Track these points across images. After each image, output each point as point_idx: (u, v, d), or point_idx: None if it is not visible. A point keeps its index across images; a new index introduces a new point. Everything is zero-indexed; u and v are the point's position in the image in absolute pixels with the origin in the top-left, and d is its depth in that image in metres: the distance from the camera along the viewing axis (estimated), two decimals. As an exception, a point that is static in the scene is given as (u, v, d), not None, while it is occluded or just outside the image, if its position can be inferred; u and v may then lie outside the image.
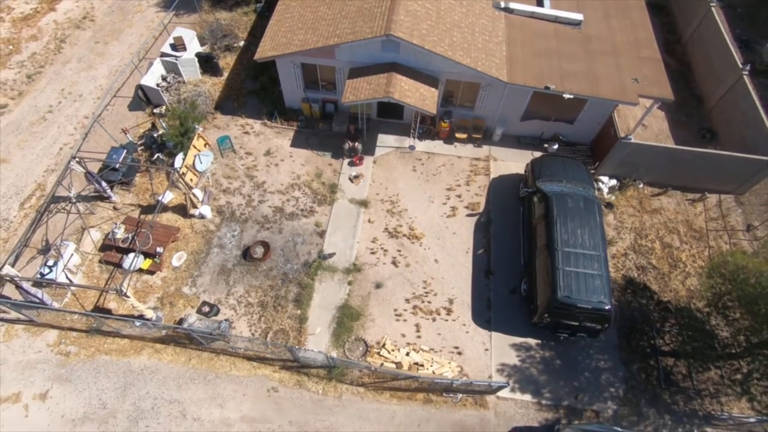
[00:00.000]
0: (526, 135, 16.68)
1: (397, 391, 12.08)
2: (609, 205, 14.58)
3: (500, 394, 12.12)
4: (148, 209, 14.70)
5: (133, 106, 17.28)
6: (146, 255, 13.46)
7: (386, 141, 16.65)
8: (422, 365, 12.24)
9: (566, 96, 14.09)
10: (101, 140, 15.71)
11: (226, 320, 12.55)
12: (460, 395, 11.99)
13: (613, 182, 15.69)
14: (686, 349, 12.66)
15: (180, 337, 12.44)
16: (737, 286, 10.46)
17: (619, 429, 10.89)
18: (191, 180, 15.02)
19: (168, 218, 14.55)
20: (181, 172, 13.19)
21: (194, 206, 14.34)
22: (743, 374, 11.62)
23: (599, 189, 15.50)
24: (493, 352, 12.70)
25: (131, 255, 13.35)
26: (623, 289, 13.81)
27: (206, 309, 12.82)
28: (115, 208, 14.70)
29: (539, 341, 12.91)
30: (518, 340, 12.93)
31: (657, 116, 17.54)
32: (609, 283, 11.77)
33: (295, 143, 16.48)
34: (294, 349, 10.89)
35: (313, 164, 16.04)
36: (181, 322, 12.49)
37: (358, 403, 11.94)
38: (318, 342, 12.60)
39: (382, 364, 12.23)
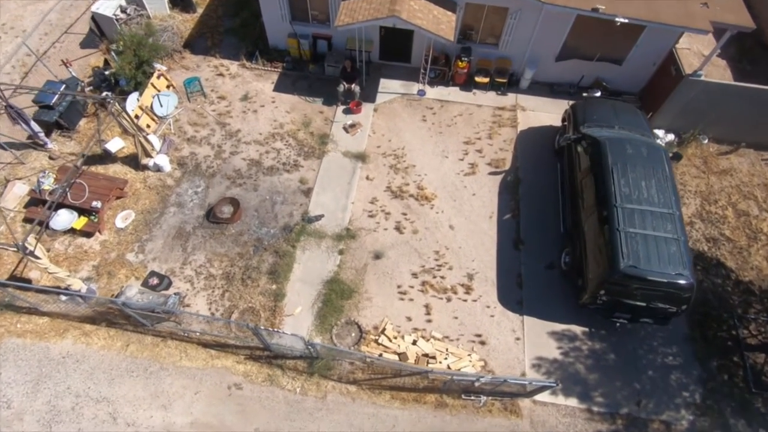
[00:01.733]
0: (561, 81, 13.67)
1: (401, 392, 9.10)
2: (676, 156, 11.55)
3: (537, 397, 9.11)
4: (92, 160, 11.78)
5: (87, 42, 14.37)
6: (82, 212, 10.55)
7: (390, 86, 13.68)
8: (433, 357, 9.26)
9: (618, 20, 11.05)
10: (44, 81, 12.82)
11: (176, 294, 9.60)
12: (484, 398, 9.00)
13: (671, 137, 12.64)
14: (781, 342, 9.67)
15: (115, 316, 9.51)
16: None
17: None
18: (148, 126, 12.12)
19: (116, 171, 11.64)
20: (122, 107, 10.26)
21: (147, 155, 11.42)
22: None
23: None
24: (526, 343, 9.70)
25: (61, 211, 10.44)
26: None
27: (155, 281, 9.88)
28: (50, 158, 11.78)
29: (586, 329, 9.90)
30: (559, 327, 9.92)
31: (717, 65, 14.36)
32: (688, 249, 8.75)
33: (279, 87, 13.53)
34: (260, 330, 7.92)
35: (299, 112, 13.08)
36: (119, 296, 9.56)
37: (347, 405, 8.97)
38: (298, 325, 9.64)
39: (380, 355, 9.26)
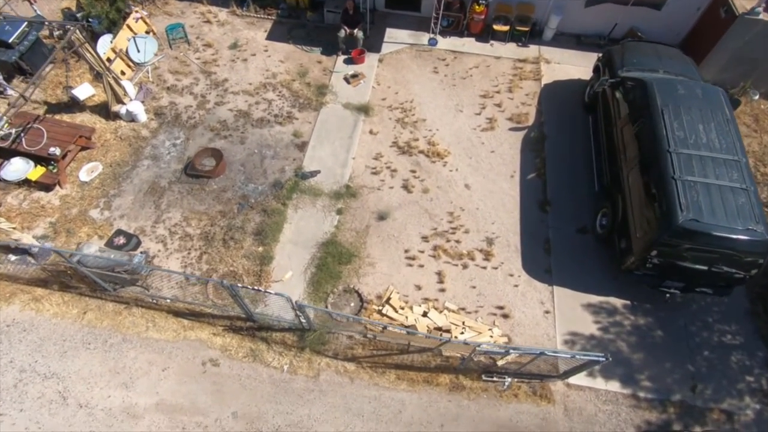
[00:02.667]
0: (590, 32, 12.14)
1: (408, 371, 7.61)
2: (733, 101, 10.01)
3: (572, 380, 7.62)
4: (57, 108, 10.33)
5: (60, -13, 12.96)
6: (39, 162, 9.10)
7: (397, 36, 12.18)
8: (447, 331, 7.77)
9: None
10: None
11: (142, 253, 8.13)
12: (508, 379, 7.51)
13: (740, 100, 11.07)
14: None
15: (71, 279, 8.05)
16: None
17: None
18: (123, 73, 10.67)
19: (85, 121, 10.17)
20: (86, 40, 8.79)
21: (118, 101, 9.95)
22: None
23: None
24: (557, 316, 8.20)
25: (14, 159, 9.00)
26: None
27: (121, 240, 8.42)
28: (11, 105, 10.32)
29: (627, 302, 8.38)
30: (595, 299, 8.41)
31: None
32: (760, 201, 7.22)
33: (272, 36, 12.05)
34: (237, 289, 6.43)
35: (295, 61, 11.60)
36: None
37: (344, 386, 7.48)
38: (287, 293, 8.08)
39: (385, 328, 7.79)
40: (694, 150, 7.54)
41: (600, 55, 10.71)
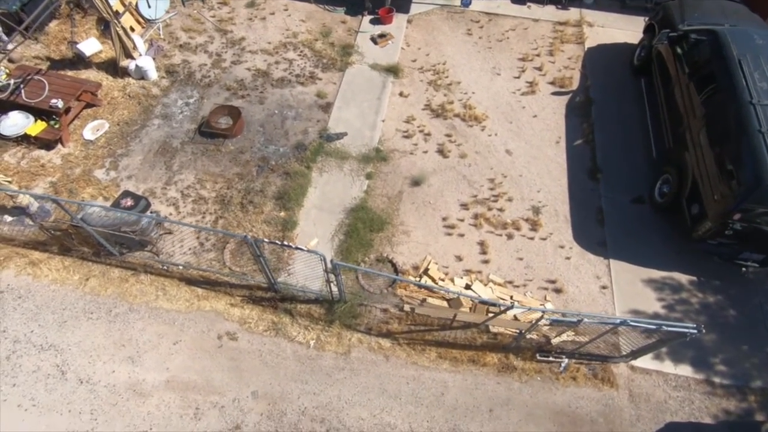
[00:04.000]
0: (633, -7, 11.24)
1: (451, 349, 6.71)
2: None
3: (637, 363, 6.70)
4: (61, 65, 9.51)
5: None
6: (40, 116, 8.28)
7: (427, -3, 11.32)
8: (494, 306, 6.88)
9: None
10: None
11: (153, 213, 7.29)
12: (566, 360, 6.60)
13: None
14: None
15: (73, 241, 7.20)
16: None
17: None
18: (132, 30, 9.84)
19: (90, 78, 9.32)
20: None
21: (128, 55, 9.12)
22: None
23: None
24: (615, 292, 7.29)
25: (12, 113, 8.18)
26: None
27: (128, 202, 7.52)
28: (10, 60, 9.51)
29: (693, 277, 7.47)
30: (657, 273, 7.49)
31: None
32: None
33: (293, -6, 11.22)
34: (260, 243, 5.56)
35: (317, 21, 10.73)
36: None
37: (379, 365, 6.60)
38: (314, 261, 7.26)
39: (424, 300, 6.90)
40: (783, 102, 6.62)
41: (650, 16, 9.79)
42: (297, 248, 5.54)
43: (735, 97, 6.80)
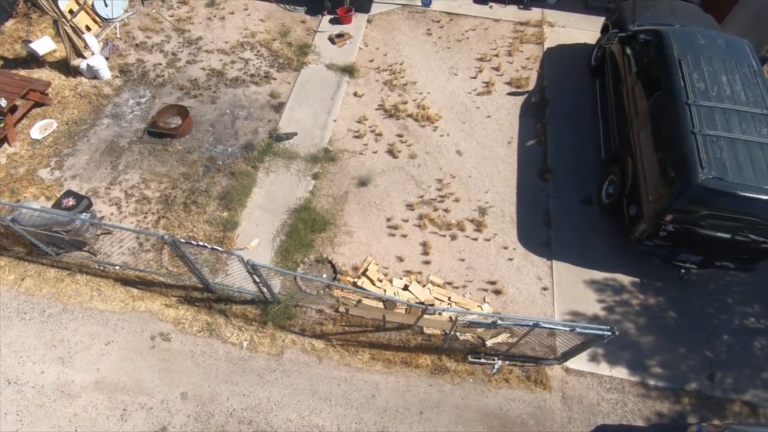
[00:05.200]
0: (598, -6, 11.20)
1: (385, 351, 6.67)
2: (761, 58, 8.99)
3: (572, 365, 6.66)
4: (13, 63, 9.49)
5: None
6: (-15, 116, 8.25)
7: (388, -3, 11.28)
8: (431, 305, 6.83)
9: None
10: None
11: (87, 213, 7.25)
12: (499, 362, 6.55)
13: None
14: None
15: (9, 241, 7.15)
16: None
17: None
18: (88, 29, 9.81)
19: (43, 77, 9.30)
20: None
21: (78, 54, 9.09)
22: None
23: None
24: (556, 293, 7.25)
25: (-44, 112, 8.15)
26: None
27: (70, 202, 7.50)
28: (-37, 60, 9.50)
29: (636, 279, 7.42)
30: (599, 275, 7.45)
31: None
32: (793, 160, 6.26)
33: (254, -6, 11.19)
34: (178, 243, 5.51)
35: (276, 20, 10.70)
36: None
37: (311, 367, 6.56)
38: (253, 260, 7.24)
39: (360, 302, 6.86)
40: (717, 102, 6.57)
41: (607, 16, 9.77)
42: (213, 248, 5.49)
43: (673, 97, 6.76)
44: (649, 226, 6.51)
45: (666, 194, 6.27)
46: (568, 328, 5.05)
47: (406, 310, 6.73)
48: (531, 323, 5.02)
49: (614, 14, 9.34)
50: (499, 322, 5.14)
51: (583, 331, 5.04)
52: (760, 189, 5.85)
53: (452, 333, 5.85)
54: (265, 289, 6.38)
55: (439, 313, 6.43)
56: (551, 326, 5.10)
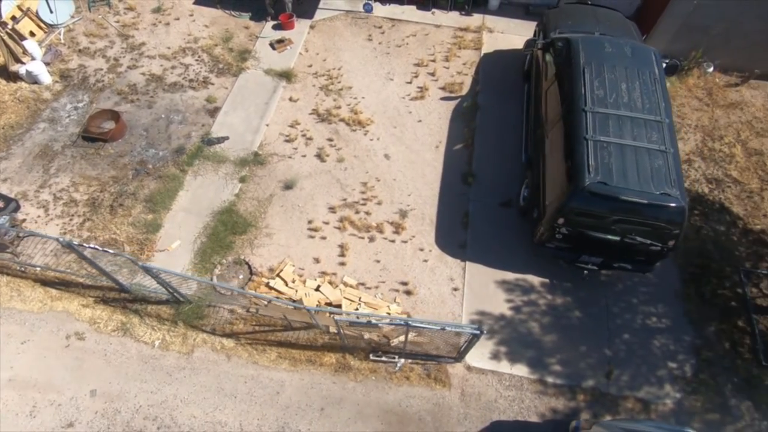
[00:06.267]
0: (540, 1, 11.41)
1: (291, 349, 6.89)
2: (672, 66, 9.23)
3: (474, 363, 6.88)
4: (-44, 69, 9.71)
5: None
6: None
7: (333, 3, 11.47)
8: (338, 306, 7.05)
9: None
10: None
11: (7, 216, 7.45)
12: (401, 361, 6.77)
13: (678, 63, 10.35)
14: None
15: (-67, 243, 7.38)
16: None
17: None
18: (32, 34, 10.02)
19: (-15, 82, 9.53)
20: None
21: (17, 60, 9.31)
22: None
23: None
24: (466, 294, 7.46)
25: None
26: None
27: (-2, 204, 7.75)
28: None
29: (546, 280, 7.64)
30: (511, 276, 7.67)
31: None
32: (680, 166, 6.47)
33: (200, 0, 11.38)
34: (73, 245, 5.72)
35: (221, 26, 10.92)
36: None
37: (219, 365, 6.77)
38: (172, 263, 7.46)
39: (269, 302, 7.08)
40: (613, 109, 6.79)
41: (537, 22, 10.00)
42: (104, 250, 5.70)
43: (572, 103, 6.99)
44: (545, 228, 6.74)
45: (559, 198, 6.50)
46: (438, 327, 5.26)
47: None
48: (401, 322, 5.23)
49: (542, 20, 9.57)
50: (373, 321, 5.35)
51: (451, 329, 5.25)
52: (642, 193, 6.08)
53: (342, 332, 6.06)
54: (170, 289, 6.59)
55: (317, 312, 6.60)
56: (422, 325, 5.31)
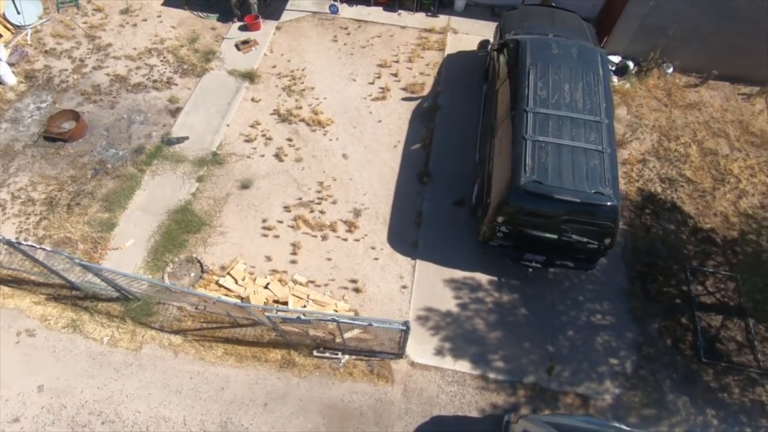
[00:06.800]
0: (505, 3, 11.52)
1: (238, 346, 7.01)
2: (621, 68, 9.34)
3: (417, 359, 6.99)
4: (-77, 69, 9.81)
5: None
6: None
7: (300, 5, 11.58)
8: (285, 303, 7.16)
9: None
10: None
11: (-39, 214, 7.57)
12: (345, 357, 6.89)
13: (629, 64, 10.48)
14: (740, 302, 7.54)
15: None
16: None
17: (623, 426, 5.65)
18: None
19: (-50, 83, 9.64)
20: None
21: (-20, 60, 9.44)
22: None
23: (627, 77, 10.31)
24: (414, 291, 7.58)
25: None
26: (639, 208, 8.61)
27: (-44, 204, 7.86)
28: None
29: (494, 278, 7.76)
30: (460, 274, 7.79)
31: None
32: (616, 165, 6.58)
33: (169, 1, 11.49)
34: (12, 243, 5.83)
35: (188, 27, 11.02)
36: None
37: (167, 361, 6.88)
38: (125, 261, 7.58)
39: (218, 299, 7.18)
40: (554, 110, 6.91)
41: (498, 23, 10.13)
42: (41, 248, 5.82)
43: (516, 104, 7.11)
44: (487, 227, 6.86)
45: (498, 196, 6.62)
46: (365, 323, 5.38)
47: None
48: (329, 318, 5.34)
49: (501, 19, 9.70)
50: (302, 317, 5.46)
51: (377, 326, 5.37)
52: (576, 192, 6.20)
53: (280, 328, 6.18)
54: (114, 286, 6.70)
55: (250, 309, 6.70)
56: (349, 321, 5.43)
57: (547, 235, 6.57)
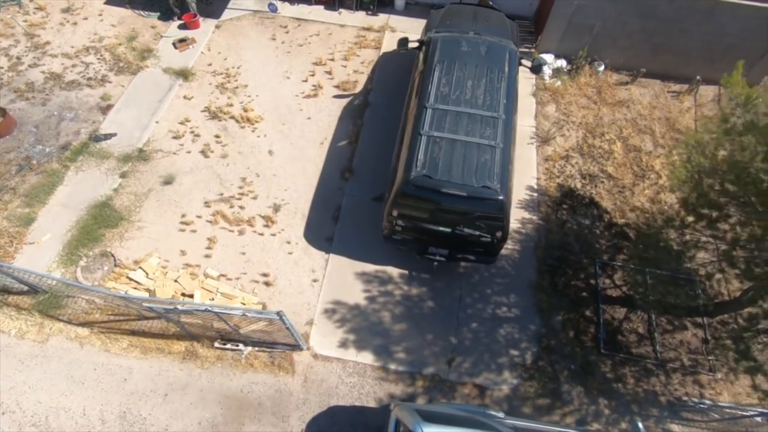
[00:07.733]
0: (444, 2, 11.65)
1: (143, 338, 7.13)
2: (537, 68, 9.44)
3: (321, 351, 7.12)
4: None
5: None
6: None
7: (241, 3, 11.72)
8: (191, 296, 7.29)
9: None
10: None
11: None
12: (247, 348, 7.01)
13: (561, 62, 10.64)
14: (645, 295, 7.68)
15: None
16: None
17: (497, 413, 5.77)
18: (-62, 33, 10.19)
19: None
20: None
21: None
22: (743, 329, 6.54)
23: (541, 75, 10.47)
24: (325, 285, 7.71)
25: None
26: (557, 204, 8.74)
27: None
28: None
29: (405, 271, 7.90)
30: (371, 268, 7.92)
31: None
32: (507, 159, 6.71)
33: (112, 0, 11.61)
34: None
35: (128, 26, 11.14)
36: None
37: (72, 353, 7.00)
38: (40, 255, 7.70)
39: (126, 293, 7.30)
40: (453, 106, 7.04)
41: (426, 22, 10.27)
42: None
43: (420, 100, 7.24)
44: (386, 221, 6.99)
45: (392, 190, 6.75)
46: (240, 312, 5.52)
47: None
48: (203, 309, 5.47)
49: (429, 17, 9.83)
50: (179, 308, 5.59)
51: (254, 315, 5.50)
52: (463, 186, 6.33)
53: (176, 320, 6.31)
54: (16, 280, 6.82)
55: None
56: (224, 311, 5.56)
57: (441, 228, 6.70)
